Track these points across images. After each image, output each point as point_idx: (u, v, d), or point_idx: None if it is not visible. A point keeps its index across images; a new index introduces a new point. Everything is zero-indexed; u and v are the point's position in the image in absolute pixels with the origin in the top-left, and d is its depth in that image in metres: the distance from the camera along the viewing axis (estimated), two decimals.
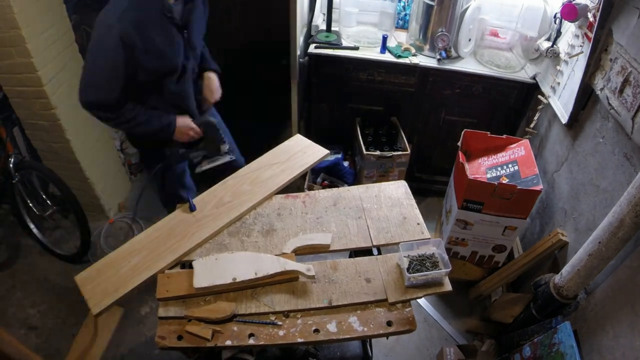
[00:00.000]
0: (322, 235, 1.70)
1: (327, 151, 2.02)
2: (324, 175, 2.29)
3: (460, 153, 2.26)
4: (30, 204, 2.60)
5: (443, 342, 2.36)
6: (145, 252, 1.66)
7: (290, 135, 2.95)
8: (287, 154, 2.03)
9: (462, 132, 2.33)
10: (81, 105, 1.70)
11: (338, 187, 1.99)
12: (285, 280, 1.55)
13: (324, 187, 1.91)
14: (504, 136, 2.33)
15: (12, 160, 2.44)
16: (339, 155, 2.61)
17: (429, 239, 1.67)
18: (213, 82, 2.02)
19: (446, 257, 1.56)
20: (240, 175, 1.95)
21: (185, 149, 1.94)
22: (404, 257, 1.56)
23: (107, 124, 1.84)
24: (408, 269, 1.53)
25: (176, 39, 1.73)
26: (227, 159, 1.97)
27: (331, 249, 1.67)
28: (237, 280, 1.51)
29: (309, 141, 2.08)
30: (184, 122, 1.88)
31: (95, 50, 1.61)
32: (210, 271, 1.54)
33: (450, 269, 1.51)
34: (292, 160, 2.00)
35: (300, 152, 2.03)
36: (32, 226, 2.72)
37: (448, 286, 1.54)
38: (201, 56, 2.00)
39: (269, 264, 1.55)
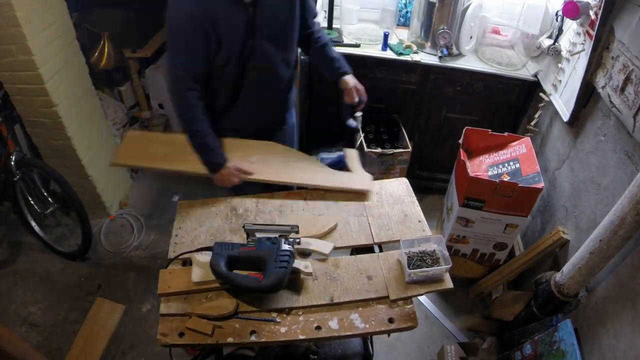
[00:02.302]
0: (324, 244, 1.67)
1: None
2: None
3: (461, 151, 2.26)
4: (32, 202, 2.61)
5: (444, 340, 2.37)
6: (175, 150, 1.79)
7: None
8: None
9: (464, 130, 2.33)
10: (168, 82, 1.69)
11: None
12: None
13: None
14: (505, 134, 2.33)
15: (14, 157, 2.44)
16: (341, 153, 2.61)
17: (430, 236, 1.67)
18: (347, 84, 1.89)
19: (447, 253, 1.56)
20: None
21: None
22: (405, 253, 1.57)
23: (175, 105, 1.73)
24: (408, 265, 1.53)
25: (235, 18, 1.60)
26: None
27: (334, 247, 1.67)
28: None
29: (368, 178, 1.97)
30: (230, 172, 1.77)
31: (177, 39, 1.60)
32: (209, 266, 1.55)
33: (450, 266, 1.51)
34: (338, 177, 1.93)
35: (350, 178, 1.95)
36: (33, 223, 2.72)
37: (449, 283, 1.54)
38: (323, 55, 1.91)
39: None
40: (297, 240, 1.55)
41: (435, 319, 2.48)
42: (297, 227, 1.59)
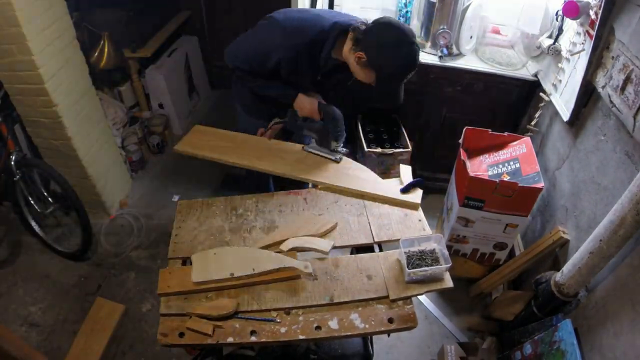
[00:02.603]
0: (323, 242, 1.68)
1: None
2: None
3: (461, 150, 2.26)
4: (32, 202, 2.60)
5: (444, 340, 2.37)
6: (235, 145, 2.02)
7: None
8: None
9: (464, 130, 2.33)
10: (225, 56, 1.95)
11: None
12: (286, 279, 1.55)
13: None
14: (505, 133, 2.33)
15: (14, 157, 2.44)
16: (342, 149, 2.63)
17: (430, 235, 1.67)
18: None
19: (446, 252, 1.56)
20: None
21: (303, 121, 1.98)
22: (404, 252, 1.57)
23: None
24: (408, 265, 1.53)
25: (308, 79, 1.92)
26: (332, 156, 1.98)
27: (334, 245, 1.68)
28: (235, 275, 1.52)
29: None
30: (307, 98, 1.93)
31: (258, 38, 1.86)
32: (209, 265, 1.55)
33: (450, 265, 1.51)
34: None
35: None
36: (33, 223, 2.72)
37: (449, 282, 1.54)
38: None
39: (266, 260, 1.56)
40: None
41: (435, 319, 2.48)
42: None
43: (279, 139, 2.09)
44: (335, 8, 2.71)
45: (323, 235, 1.71)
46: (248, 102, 2.12)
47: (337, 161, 1.97)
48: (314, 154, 2.00)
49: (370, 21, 1.74)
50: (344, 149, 2.00)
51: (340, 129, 1.95)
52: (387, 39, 1.63)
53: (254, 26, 1.92)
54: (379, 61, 1.66)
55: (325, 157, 1.98)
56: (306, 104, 1.93)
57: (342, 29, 1.74)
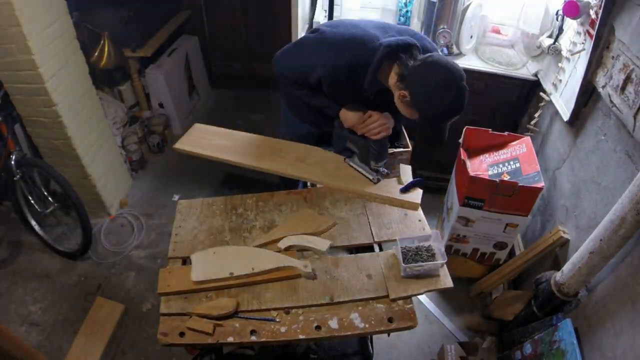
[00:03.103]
0: (321, 241, 1.68)
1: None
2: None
3: (461, 150, 2.26)
4: (32, 201, 2.61)
5: (444, 340, 2.37)
6: (235, 144, 2.01)
7: None
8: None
9: (464, 129, 2.33)
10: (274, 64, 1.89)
11: None
12: (286, 278, 1.55)
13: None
14: (506, 133, 2.33)
15: (14, 157, 2.44)
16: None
17: (427, 233, 1.68)
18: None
19: (442, 248, 1.57)
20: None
21: (348, 133, 1.91)
22: (400, 248, 1.57)
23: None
24: (404, 260, 1.54)
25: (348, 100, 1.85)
26: (370, 175, 1.90)
27: (333, 245, 1.67)
28: (234, 275, 1.52)
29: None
30: (352, 112, 1.84)
31: (304, 51, 1.81)
32: (208, 265, 1.55)
33: (445, 260, 1.52)
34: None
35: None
36: (33, 223, 2.73)
37: (449, 282, 1.54)
38: None
39: (266, 260, 1.56)
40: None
41: (435, 319, 2.48)
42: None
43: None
44: (335, 8, 2.71)
45: (322, 233, 1.71)
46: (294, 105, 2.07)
47: (374, 181, 1.89)
48: (354, 168, 1.95)
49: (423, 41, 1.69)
50: (385, 170, 1.92)
51: (382, 149, 1.87)
52: (434, 82, 1.49)
53: (303, 38, 1.89)
54: (423, 104, 1.54)
55: (364, 175, 1.92)
56: (351, 115, 1.83)
57: (388, 52, 1.59)
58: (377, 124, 1.78)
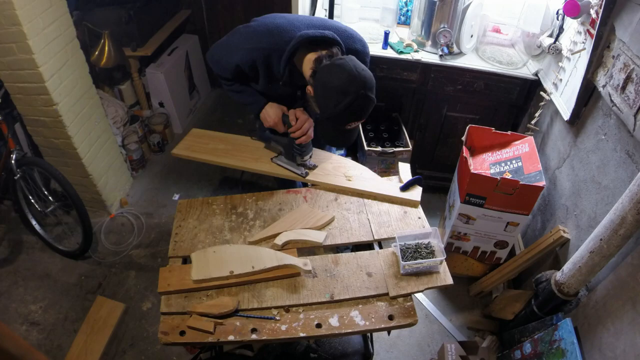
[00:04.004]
0: (316, 233, 1.70)
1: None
2: None
3: (464, 148, 2.26)
4: (32, 200, 2.61)
5: (444, 339, 2.37)
6: (232, 147, 2.03)
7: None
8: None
9: (467, 128, 2.33)
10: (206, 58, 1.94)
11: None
12: (286, 276, 1.55)
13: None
14: (509, 132, 2.33)
15: (14, 156, 2.44)
16: (342, 152, 2.63)
17: (426, 230, 1.68)
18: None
19: (442, 245, 1.57)
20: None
21: (270, 133, 1.96)
22: (399, 245, 1.57)
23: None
24: (403, 257, 1.54)
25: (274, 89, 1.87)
26: (297, 170, 1.93)
27: (333, 243, 1.68)
28: (234, 273, 1.52)
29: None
30: (272, 109, 1.88)
31: (228, 40, 1.82)
32: (208, 264, 1.56)
33: (445, 257, 1.53)
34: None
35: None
36: (33, 222, 2.73)
37: (449, 279, 1.55)
38: None
39: (266, 258, 1.57)
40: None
41: (434, 318, 2.48)
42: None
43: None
44: (336, 7, 2.71)
45: (321, 227, 1.72)
46: None
47: (302, 176, 1.92)
48: (282, 166, 1.96)
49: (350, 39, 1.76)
50: (312, 163, 1.96)
51: (306, 144, 1.88)
52: (334, 84, 1.50)
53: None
54: (321, 102, 1.57)
55: (292, 172, 1.93)
56: (271, 115, 1.86)
57: (301, 41, 1.62)
58: (305, 128, 1.83)
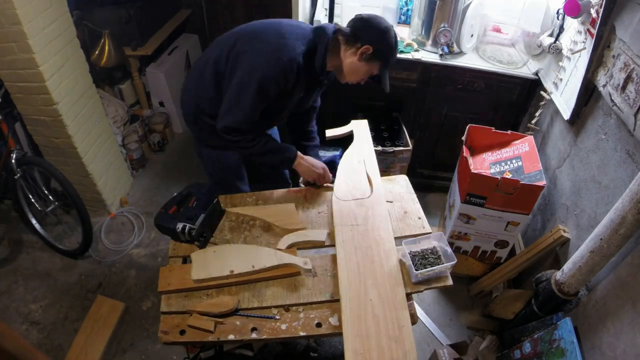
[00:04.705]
0: (317, 232, 1.70)
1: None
2: None
3: (464, 147, 2.26)
4: (32, 200, 2.61)
5: (431, 343, 2.35)
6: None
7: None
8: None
9: (467, 127, 2.33)
10: (220, 130, 1.76)
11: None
12: (286, 275, 1.55)
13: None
14: (509, 132, 2.33)
15: (14, 155, 2.44)
16: (337, 153, 2.63)
17: (430, 233, 1.67)
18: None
19: (449, 249, 1.55)
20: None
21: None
22: (408, 253, 1.56)
23: (238, 147, 1.84)
24: (414, 266, 1.52)
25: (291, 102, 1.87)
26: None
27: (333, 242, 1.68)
28: (235, 272, 1.52)
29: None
30: (310, 161, 1.89)
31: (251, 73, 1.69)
32: (208, 263, 1.56)
33: (455, 262, 1.51)
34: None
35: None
36: (34, 222, 2.73)
37: (449, 280, 1.54)
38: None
39: (266, 257, 1.56)
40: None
41: (421, 323, 2.44)
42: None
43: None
44: (336, 6, 2.70)
45: (288, 231, 1.71)
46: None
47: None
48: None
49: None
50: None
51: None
52: (382, 26, 1.69)
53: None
54: (385, 48, 1.70)
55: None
56: (316, 165, 1.88)
57: (327, 33, 1.73)
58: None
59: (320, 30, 1.74)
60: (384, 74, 1.78)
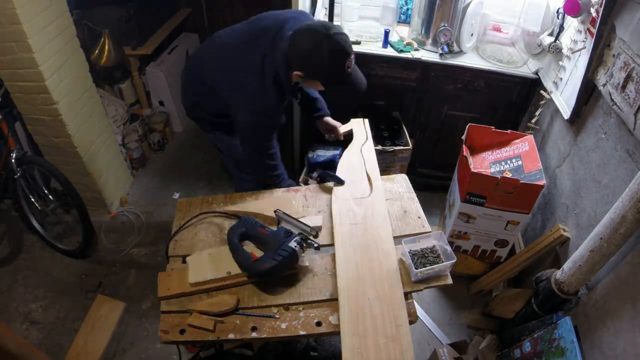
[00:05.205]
0: (313, 218, 1.71)
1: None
2: (320, 171, 2.27)
3: (464, 147, 2.26)
4: (32, 199, 2.61)
5: (432, 343, 2.35)
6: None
7: (291, 130, 2.95)
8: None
9: (467, 127, 2.33)
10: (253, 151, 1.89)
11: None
12: (286, 275, 1.55)
13: (318, 182, 1.94)
14: (509, 131, 2.33)
15: (14, 155, 2.44)
16: (337, 152, 2.62)
17: (430, 232, 1.68)
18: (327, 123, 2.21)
19: (449, 248, 1.55)
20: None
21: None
22: (408, 252, 1.56)
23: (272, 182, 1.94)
24: (414, 264, 1.53)
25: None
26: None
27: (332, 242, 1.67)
28: (232, 273, 1.52)
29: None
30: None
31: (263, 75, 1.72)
32: (205, 266, 1.55)
33: (455, 260, 1.51)
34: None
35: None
36: (34, 221, 2.72)
37: (449, 279, 1.54)
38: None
39: None
40: (315, 245, 1.54)
41: (420, 322, 2.45)
42: (319, 229, 1.64)
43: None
44: (336, 6, 2.70)
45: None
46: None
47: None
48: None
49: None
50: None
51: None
52: (305, 46, 1.58)
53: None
54: (312, 70, 1.63)
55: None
56: None
57: (280, 55, 1.68)
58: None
59: (274, 52, 1.68)
60: (340, 84, 1.69)
